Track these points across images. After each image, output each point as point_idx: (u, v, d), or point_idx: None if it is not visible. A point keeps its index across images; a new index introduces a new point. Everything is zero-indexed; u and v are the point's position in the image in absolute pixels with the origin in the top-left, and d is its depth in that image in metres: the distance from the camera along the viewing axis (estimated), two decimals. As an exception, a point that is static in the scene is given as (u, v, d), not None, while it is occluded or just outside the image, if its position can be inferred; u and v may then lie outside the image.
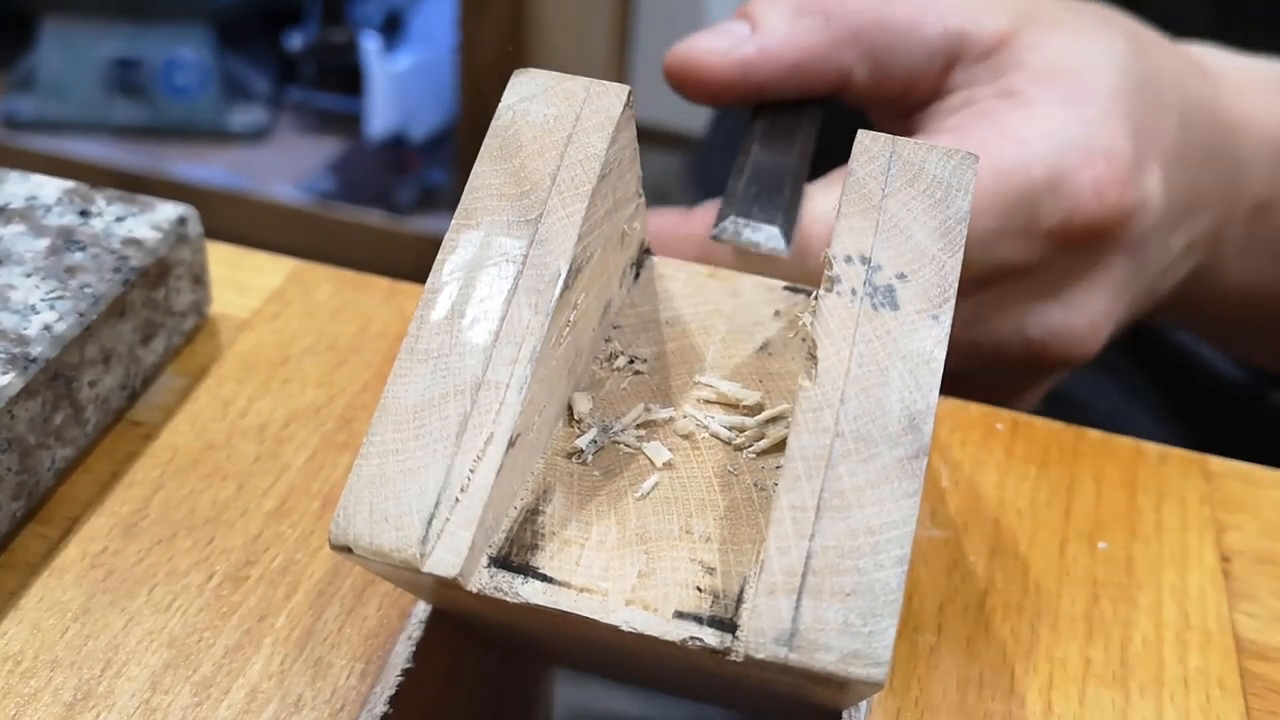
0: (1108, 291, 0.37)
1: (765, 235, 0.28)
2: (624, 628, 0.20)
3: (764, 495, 0.22)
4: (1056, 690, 0.26)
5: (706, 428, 0.24)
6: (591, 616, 0.20)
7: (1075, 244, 0.35)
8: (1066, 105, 0.35)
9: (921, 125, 0.37)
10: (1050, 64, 0.36)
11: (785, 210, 0.30)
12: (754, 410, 0.24)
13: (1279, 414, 0.54)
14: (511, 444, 0.20)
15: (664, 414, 0.24)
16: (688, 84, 0.35)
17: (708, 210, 0.34)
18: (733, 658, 0.19)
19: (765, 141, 0.33)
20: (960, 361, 0.36)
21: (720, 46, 0.35)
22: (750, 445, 0.23)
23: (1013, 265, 0.34)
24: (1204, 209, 0.39)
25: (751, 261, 0.31)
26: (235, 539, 0.28)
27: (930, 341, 0.21)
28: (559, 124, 0.23)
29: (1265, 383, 0.54)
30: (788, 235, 0.29)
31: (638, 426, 0.24)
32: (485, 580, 0.20)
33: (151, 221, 0.31)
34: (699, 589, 0.20)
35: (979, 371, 0.37)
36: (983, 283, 0.35)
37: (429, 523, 0.20)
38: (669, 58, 0.35)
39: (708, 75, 0.35)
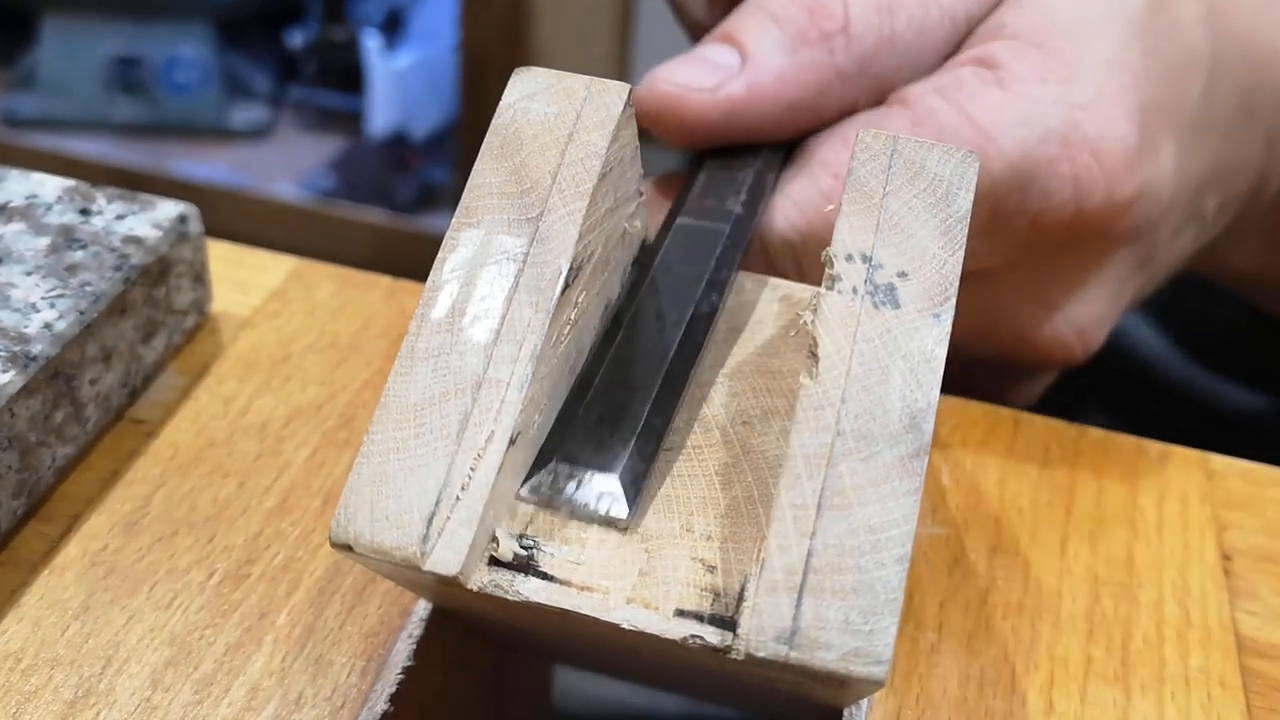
0: (1103, 291, 0.33)
1: (597, 491, 0.21)
2: (625, 626, 0.20)
3: (765, 493, 0.22)
4: (1057, 688, 0.26)
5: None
6: (592, 615, 0.20)
7: (1051, 245, 0.31)
8: (1051, 83, 0.30)
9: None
10: (1039, 27, 0.31)
11: (639, 440, 0.22)
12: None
13: (1208, 401, 0.50)
14: (512, 442, 0.20)
15: None
16: (668, 125, 0.30)
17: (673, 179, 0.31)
18: (734, 656, 0.19)
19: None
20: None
21: (706, 82, 0.29)
22: None
23: (973, 268, 0.30)
24: (1240, 169, 0.34)
25: (753, 260, 0.30)
26: (236, 537, 0.28)
27: (931, 340, 0.21)
28: (560, 122, 0.23)
29: (1196, 368, 0.50)
30: (635, 486, 0.21)
31: None
32: (486, 578, 0.20)
33: (152, 220, 0.31)
34: (700, 587, 0.20)
35: (961, 367, 0.34)
36: None
37: (430, 521, 0.20)
38: (647, 91, 0.30)
39: (691, 117, 0.29)
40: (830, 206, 0.30)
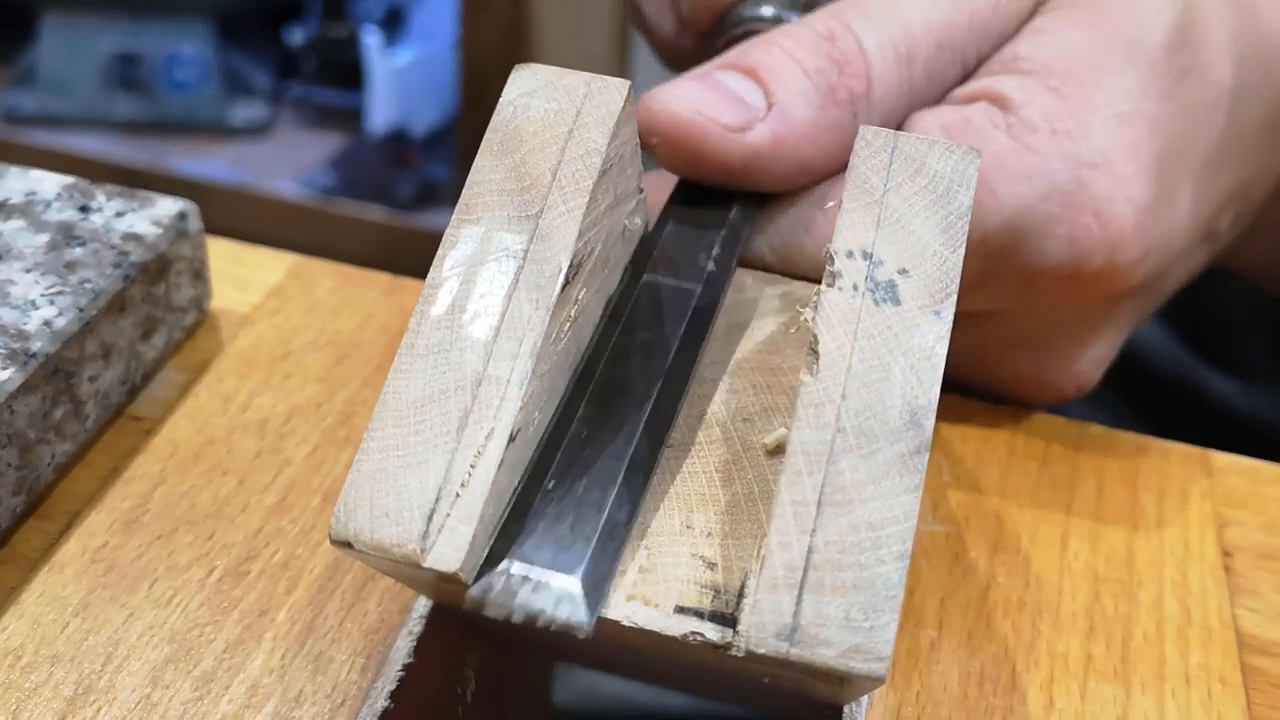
0: (1103, 339, 0.32)
1: (555, 595, 0.19)
2: (625, 623, 0.20)
3: (765, 490, 0.22)
4: (1058, 685, 0.26)
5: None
6: (592, 612, 0.20)
7: (1047, 299, 0.30)
8: (1062, 135, 0.28)
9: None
10: (1054, 67, 0.29)
11: (603, 535, 0.20)
12: None
13: (1198, 390, 0.50)
14: (512, 439, 0.20)
15: None
16: (680, 153, 0.28)
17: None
18: (734, 653, 0.19)
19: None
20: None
21: (729, 118, 0.27)
22: None
23: (966, 310, 0.29)
24: (1261, 180, 0.33)
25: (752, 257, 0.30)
26: (236, 534, 0.28)
27: (932, 337, 0.21)
28: (560, 119, 0.23)
29: (1189, 357, 0.50)
30: (598, 589, 0.19)
31: None
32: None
33: (152, 217, 0.31)
34: (700, 584, 0.20)
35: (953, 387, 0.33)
36: None
37: (429, 518, 0.19)
38: (662, 110, 0.27)
39: (709, 153, 0.27)
40: (808, 233, 0.29)
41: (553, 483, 0.21)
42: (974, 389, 0.34)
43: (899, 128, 0.30)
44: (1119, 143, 0.29)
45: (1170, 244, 0.30)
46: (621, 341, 0.23)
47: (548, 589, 0.19)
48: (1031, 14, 0.31)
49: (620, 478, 0.21)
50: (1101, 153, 0.28)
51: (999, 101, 0.29)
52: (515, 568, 0.20)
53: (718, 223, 0.27)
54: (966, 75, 0.31)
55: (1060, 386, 0.33)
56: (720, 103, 0.28)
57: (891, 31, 0.29)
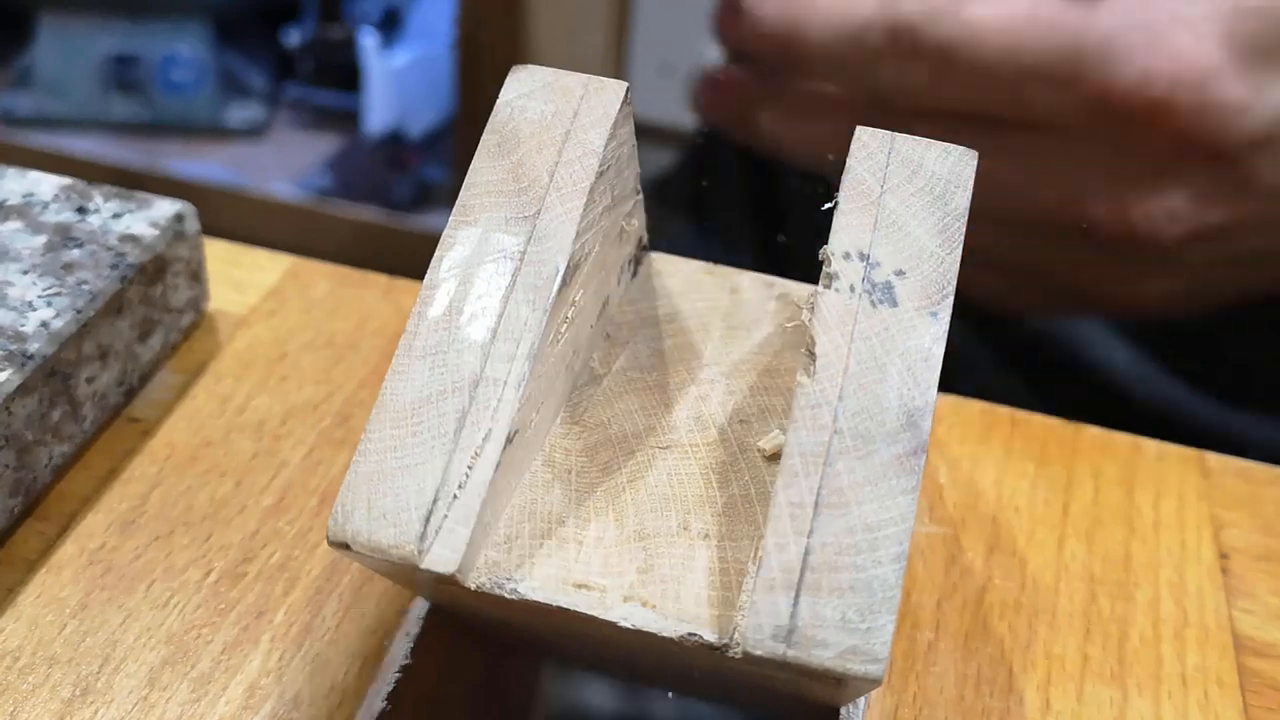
0: (1177, 188, 0.36)
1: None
2: (622, 624, 0.20)
3: (762, 492, 0.22)
4: (1054, 687, 0.26)
5: None
6: (590, 613, 0.20)
7: (1119, 119, 0.35)
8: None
9: None
10: None
11: None
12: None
13: (1192, 424, 0.51)
14: (509, 441, 0.20)
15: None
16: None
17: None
18: (731, 654, 0.19)
19: None
20: (1020, 239, 0.37)
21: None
22: None
23: (1048, 117, 0.35)
24: None
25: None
26: (233, 535, 0.28)
27: (929, 338, 0.21)
28: (557, 120, 0.23)
29: (1174, 385, 0.52)
30: None
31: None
32: (484, 577, 0.20)
33: (149, 218, 0.31)
34: (697, 586, 0.20)
35: (1048, 256, 0.38)
36: (1028, 143, 0.35)
37: (427, 519, 0.20)
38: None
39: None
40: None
41: None
42: (1075, 260, 0.38)
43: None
44: (1205, 19, 0.34)
45: (1252, 122, 0.34)
46: None
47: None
48: None
49: None
50: (1189, 19, 0.34)
51: None
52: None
53: None
54: None
55: (1133, 225, 0.36)
56: None
57: None
